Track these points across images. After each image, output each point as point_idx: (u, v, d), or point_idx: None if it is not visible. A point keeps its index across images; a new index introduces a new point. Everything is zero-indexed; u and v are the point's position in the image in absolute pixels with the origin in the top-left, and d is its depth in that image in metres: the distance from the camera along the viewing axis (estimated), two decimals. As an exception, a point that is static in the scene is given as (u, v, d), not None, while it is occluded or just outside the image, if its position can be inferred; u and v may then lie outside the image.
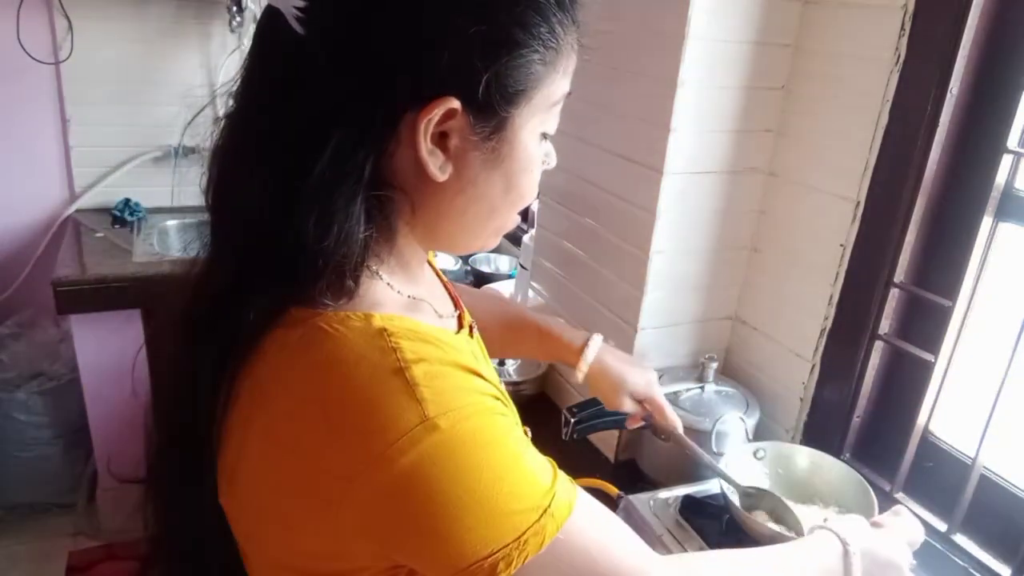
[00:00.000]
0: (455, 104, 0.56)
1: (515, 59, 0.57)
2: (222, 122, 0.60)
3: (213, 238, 0.62)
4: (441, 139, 0.58)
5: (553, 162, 0.68)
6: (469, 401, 0.54)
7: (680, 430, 1.07)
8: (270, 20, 0.57)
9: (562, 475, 0.59)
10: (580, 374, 1.03)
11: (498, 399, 0.57)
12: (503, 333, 1.07)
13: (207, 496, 0.61)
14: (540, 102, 0.61)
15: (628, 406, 1.05)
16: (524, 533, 0.53)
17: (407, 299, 0.64)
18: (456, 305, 0.78)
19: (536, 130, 0.62)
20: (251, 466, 0.58)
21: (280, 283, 0.56)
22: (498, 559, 0.52)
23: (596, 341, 1.04)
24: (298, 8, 0.54)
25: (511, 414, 0.58)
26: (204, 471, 0.60)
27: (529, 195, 0.65)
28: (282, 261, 0.56)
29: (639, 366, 1.07)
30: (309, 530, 0.55)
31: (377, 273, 0.61)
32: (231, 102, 0.60)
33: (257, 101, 0.58)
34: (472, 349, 0.71)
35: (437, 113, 0.55)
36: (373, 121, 0.55)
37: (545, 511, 0.55)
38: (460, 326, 0.75)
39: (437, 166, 0.58)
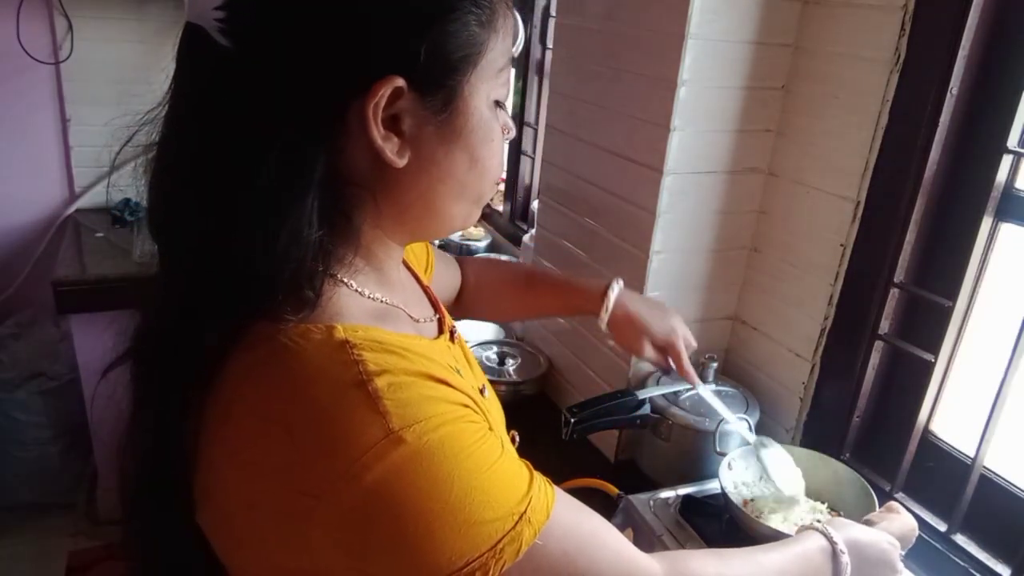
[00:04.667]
0: (399, 83, 0.54)
1: (450, 24, 0.55)
2: (153, 149, 0.58)
3: (163, 264, 0.60)
4: (393, 123, 0.56)
5: (513, 132, 0.66)
6: (436, 411, 0.52)
7: (700, 386, 1.10)
8: (191, 38, 0.55)
9: (539, 479, 0.58)
10: (602, 321, 1.01)
11: (468, 406, 0.56)
12: (522, 292, 1.07)
13: (184, 517, 0.60)
14: (486, 67, 0.59)
15: (648, 353, 1.04)
16: (500, 541, 0.52)
17: (378, 305, 0.62)
18: (436, 308, 0.77)
19: (488, 97, 0.61)
20: (222, 487, 0.57)
21: (238, 301, 0.55)
22: (474, 568, 0.51)
23: (617, 286, 1.03)
24: (218, 20, 0.52)
25: (483, 420, 0.57)
26: (179, 493, 0.59)
27: (496, 167, 0.64)
28: (237, 279, 0.54)
29: (662, 310, 1.06)
30: (283, 548, 0.54)
31: (342, 280, 0.60)
32: (160, 127, 0.58)
33: (191, 121, 0.56)
34: (453, 355, 0.70)
35: (383, 95, 0.54)
36: (317, 119, 0.54)
37: (521, 517, 0.53)
38: (440, 331, 0.73)
39: (394, 152, 0.57)
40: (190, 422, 0.56)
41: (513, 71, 0.63)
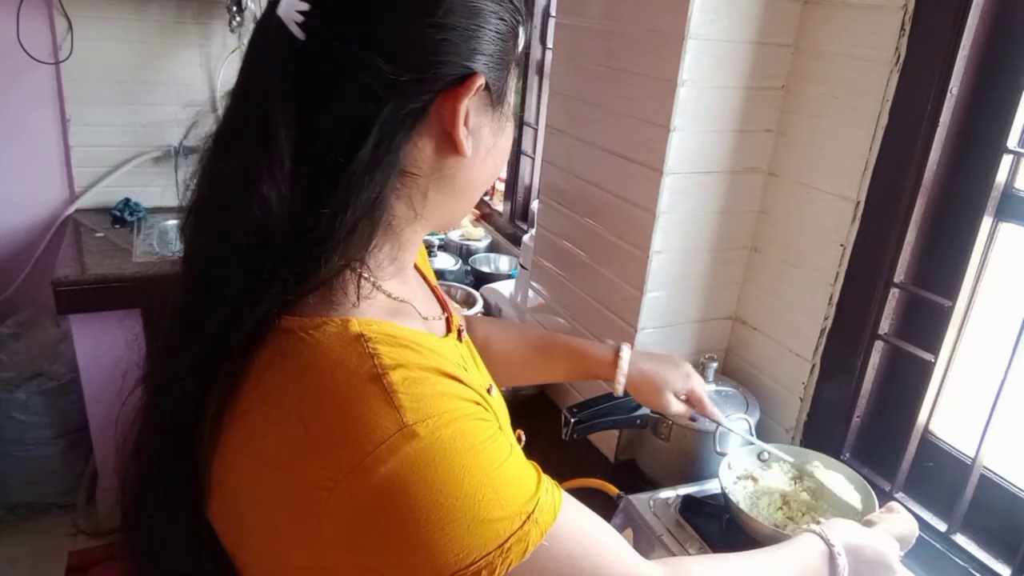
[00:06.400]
0: (482, 80, 0.59)
1: (514, 28, 0.62)
2: (210, 139, 0.59)
3: (196, 258, 0.60)
4: (464, 116, 0.60)
5: None
6: (449, 407, 0.53)
7: (724, 422, 1.11)
8: (268, 32, 0.56)
9: (547, 480, 0.58)
10: (619, 386, 1.03)
11: (479, 404, 0.56)
12: (534, 356, 1.07)
13: (195, 511, 0.60)
14: (516, 66, 0.66)
15: (674, 406, 1.05)
16: (507, 540, 0.52)
17: (392, 301, 0.63)
18: (444, 308, 0.77)
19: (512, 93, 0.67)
20: (235, 479, 0.57)
21: (272, 295, 0.55)
22: (481, 567, 0.51)
23: (627, 350, 1.04)
24: (301, 12, 0.54)
25: (493, 419, 0.57)
26: (191, 487, 0.59)
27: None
28: (285, 268, 0.55)
29: (673, 363, 1.08)
30: (294, 543, 0.54)
31: (362, 275, 0.60)
32: (219, 119, 0.59)
33: (267, 112, 0.56)
34: (461, 353, 0.71)
35: (473, 91, 0.59)
36: (411, 112, 0.57)
37: (529, 517, 0.54)
38: (448, 330, 0.74)
39: (467, 143, 0.61)
40: (208, 415, 0.57)
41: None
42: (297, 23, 0.55)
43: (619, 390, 1.03)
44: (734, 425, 1.12)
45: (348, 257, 0.56)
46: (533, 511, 0.54)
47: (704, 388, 1.08)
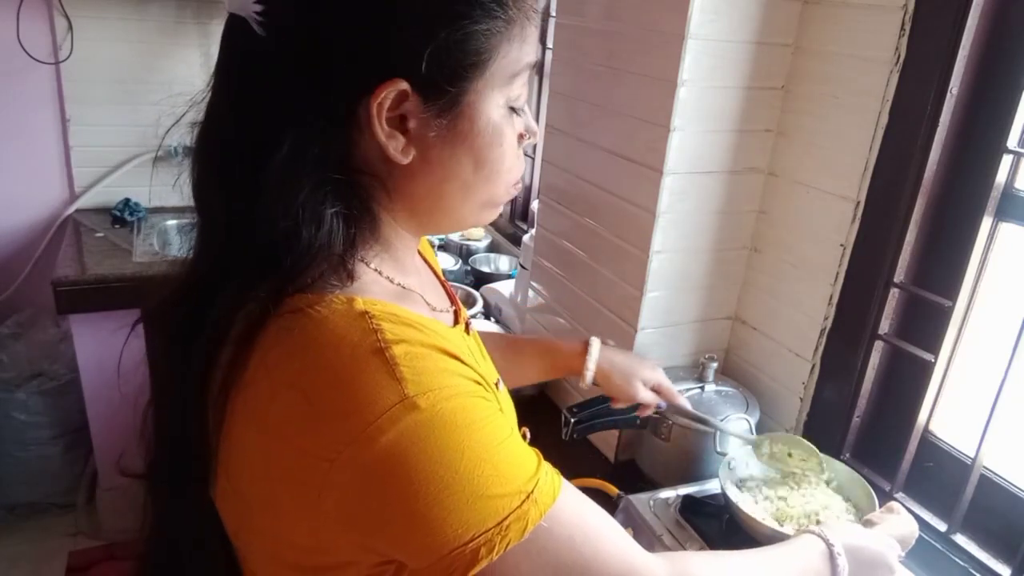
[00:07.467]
0: (403, 86, 0.57)
1: (457, 32, 0.57)
2: (196, 128, 0.61)
3: (198, 238, 0.63)
4: (400, 122, 0.58)
5: (535, 136, 0.67)
6: (450, 383, 0.54)
7: (691, 410, 1.15)
8: (233, 27, 0.58)
9: (547, 464, 0.59)
10: (588, 374, 1.06)
11: (480, 384, 0.57)
12: (506, 357, 1.08)
13: (201, 493, 0.61)
14: (497, 73, 0.60)
15: (643, 394, 1.09)
16: (506, 518, 0.53)
17: (396, 288, 0.64)
18: (452, 301, 0.78)
19: (499, 102, 0.62)
20: (240, 455, 0.58)
21: (261, 273, 0.57)
22: (480, 544, 0.52)
23: (596, 342, 1.08)
24: (257, 13, 0.55)
25: (494, 401, 0.58)
26: (198, 468, 0.60)
27: (508, 169, 0.65)
28: (268, 255, 0.56)
29: (640, 358, 1.13)
30: (296, 519, 0.55)
31: (362, 260, 0.61)
32: (204, 109, 0.61)
33: (225, 105, 0.59)
34: (468, 345, 0.71)
35: (387, 96, 0.56)
36: (328, 110, 0.56)
37: (528, 496, 0.54)
38: (456, 321, 0.75)
39: (398, 150, 0.59)
40: (214, 394, 0.57)
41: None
42: (257, 21, 0.55)
43: (588, 378, 1.06)
44: (720, 426, 1.15)
45: (319, 247, 0.57)
46: (532, 491, 0.55)
47: (671, 384, 1.13)
